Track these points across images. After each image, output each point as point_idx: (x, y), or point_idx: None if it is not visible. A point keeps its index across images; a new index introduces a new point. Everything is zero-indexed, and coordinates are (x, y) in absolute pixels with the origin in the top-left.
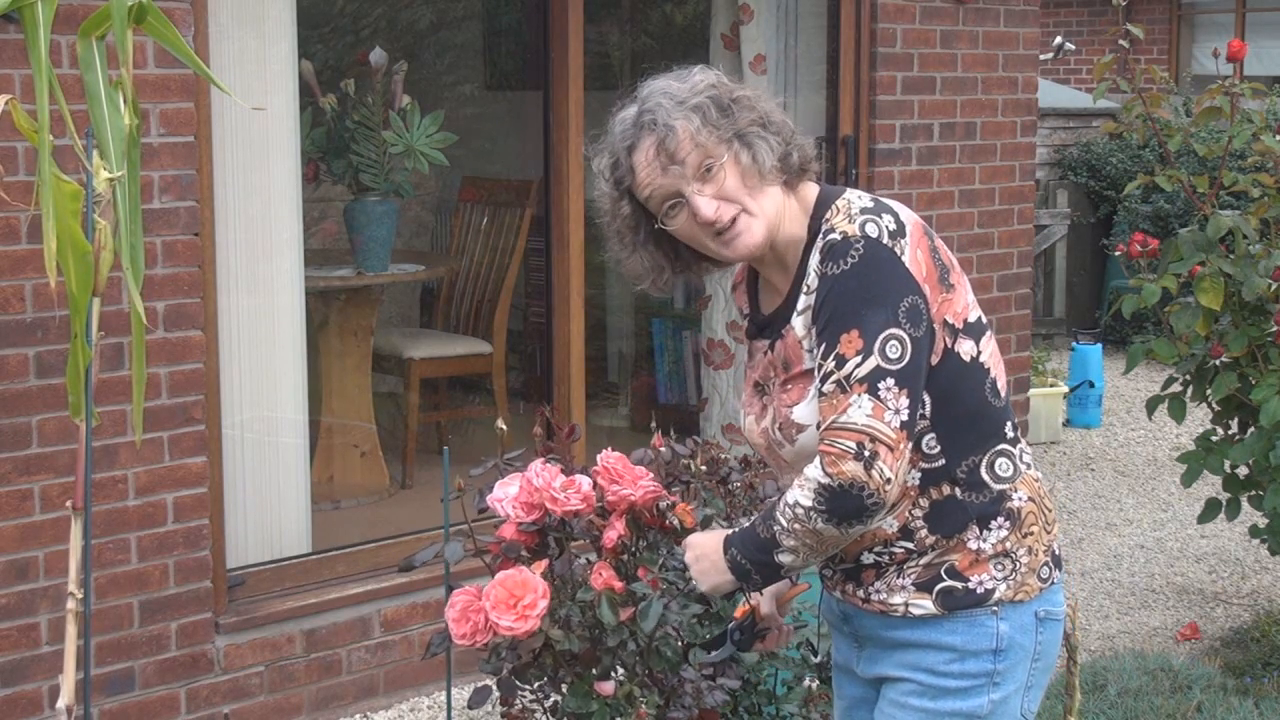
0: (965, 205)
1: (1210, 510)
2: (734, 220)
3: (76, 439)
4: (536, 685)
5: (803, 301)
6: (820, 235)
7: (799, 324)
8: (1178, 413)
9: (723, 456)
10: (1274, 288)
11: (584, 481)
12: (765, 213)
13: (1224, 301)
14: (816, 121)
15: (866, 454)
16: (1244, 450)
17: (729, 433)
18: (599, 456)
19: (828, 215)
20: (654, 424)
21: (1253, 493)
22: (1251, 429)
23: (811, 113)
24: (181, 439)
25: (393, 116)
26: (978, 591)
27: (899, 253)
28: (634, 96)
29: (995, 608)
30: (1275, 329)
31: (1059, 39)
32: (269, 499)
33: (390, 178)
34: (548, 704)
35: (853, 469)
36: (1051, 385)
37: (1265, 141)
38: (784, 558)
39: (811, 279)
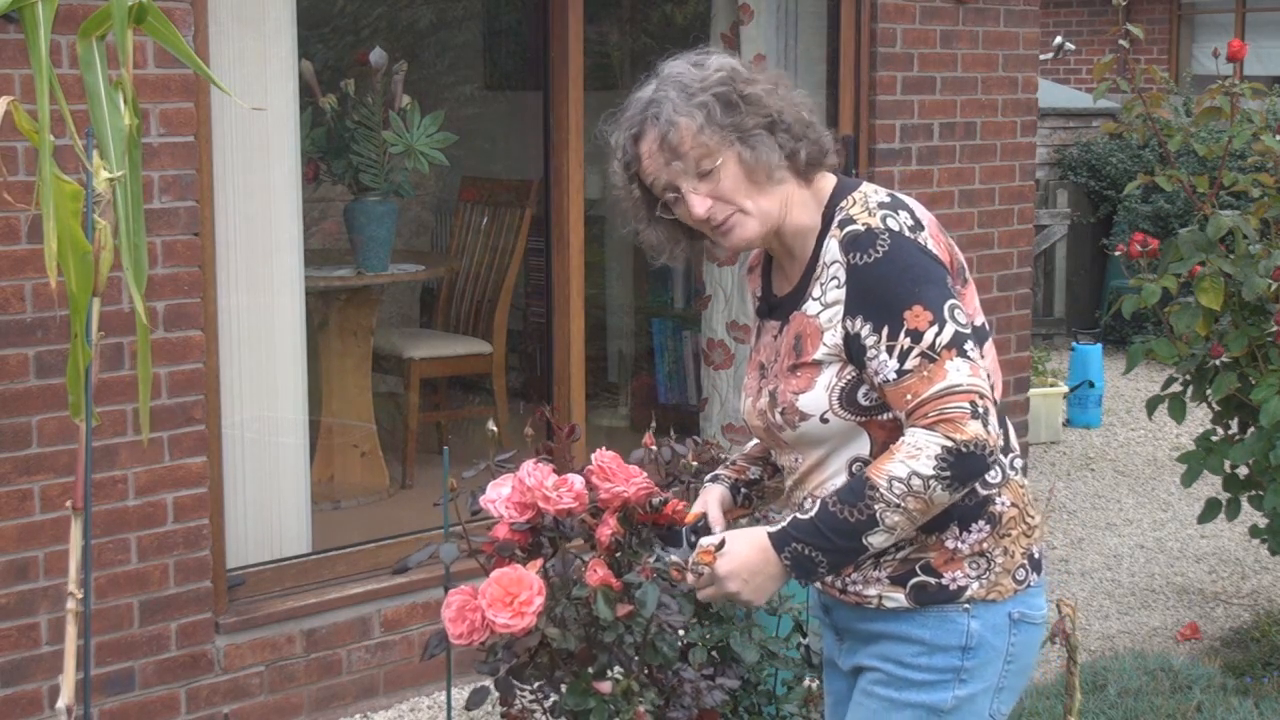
0: (965, 205)
1: (1210, 510)
2: (727, 218)
3: (76, 439)
4: (535, 686)
5: (818, 289)
6: (836, 225)
7: (824, 316)
8: (1178, 413)
9: (722, 456)
10: (1274, 288)
11: (576, 481)
12: (762, 211)
13: (1224, 301)
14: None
15: (981, 411)
16: (1244, 450)
17: (729, 433)
18: (593, 455)
19: (843, 205)
20: (654, 424)
21: (1253, 493)
22: (1251, 429)
23: None
24: (181, 439)
25: (393, 116)
26: (950, 588)
27: (924, 243)
28: (653, 74)
29: (967, 605)
30: (1275, 329)
31: (1059, 39)
32: (269, 499)
33: (390, 178)
34: (547, 704)
35: (975, 428)
36: (1051, 385)
37: (1265, 141)
38: (876, 538)
39: (834, 269)
